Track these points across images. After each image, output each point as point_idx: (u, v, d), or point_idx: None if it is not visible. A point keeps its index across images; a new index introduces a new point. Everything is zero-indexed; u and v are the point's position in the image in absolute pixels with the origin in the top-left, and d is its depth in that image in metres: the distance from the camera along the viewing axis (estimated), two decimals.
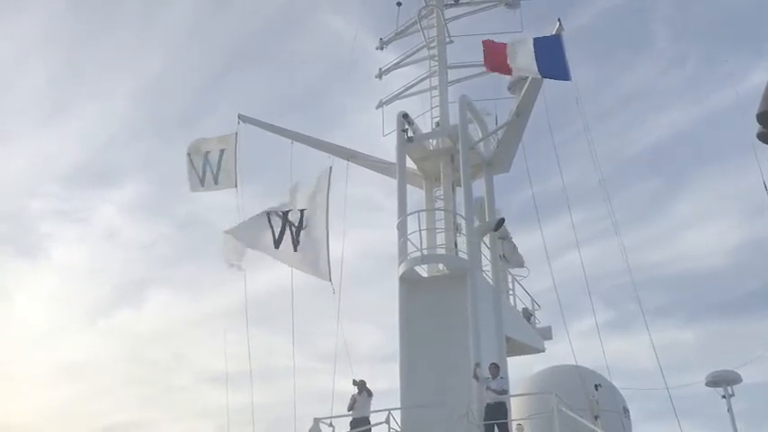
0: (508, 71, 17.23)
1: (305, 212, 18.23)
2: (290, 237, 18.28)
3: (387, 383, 17.42)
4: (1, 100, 51.29)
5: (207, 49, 53.22)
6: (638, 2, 48.18)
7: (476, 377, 15.10)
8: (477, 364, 15.27)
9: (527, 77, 17.71)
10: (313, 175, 18.64)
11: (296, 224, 18.27)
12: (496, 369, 15.06)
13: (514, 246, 20.50)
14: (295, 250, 18.10)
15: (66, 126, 52.44)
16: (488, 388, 14.69)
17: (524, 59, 16.47)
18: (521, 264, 20.67)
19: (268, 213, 18.70)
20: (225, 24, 53.36)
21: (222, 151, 19.86)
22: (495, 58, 16.93)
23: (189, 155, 20.14)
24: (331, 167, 18.45)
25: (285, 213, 18.50)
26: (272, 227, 18.55)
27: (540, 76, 16.73)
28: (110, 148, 53.05)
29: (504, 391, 15.00)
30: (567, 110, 18.44)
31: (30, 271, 53.39)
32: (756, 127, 7.09)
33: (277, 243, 18.39)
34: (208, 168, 19.92)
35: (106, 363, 47.97)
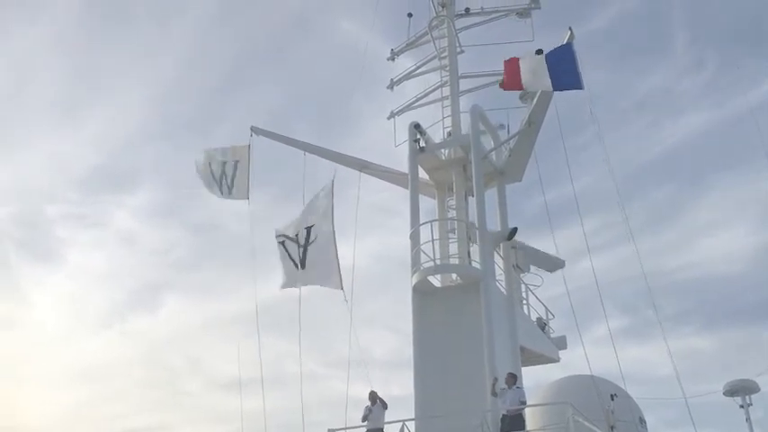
0: (520, 87, 17.26)
1: (312, 228, 18.52)
2: (297, 257, 18.63)
3: (401, 390, 17.40)
4: (16, 105, 51.82)
5: (220, 54, 53.56)
6: (655, 5, 47.81)
7: (494, 394, 15.00)
8: (496, 379, 15.20)
9: None
10: (319, 189, 18.95)
11: (302, 242, 18.57)
12: (513, 378, 14.99)
13: (536, 252, 20.17)
14: (303, 267, 18.44)
15: (81, 131, 52.83)
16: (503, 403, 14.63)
17: (537, 75, 16.43)
18: (561, 266, 20.27)
19: (282, 243, 19.07)
20: (238, 29, 53.65)
21: (236, 162, 20.26)
22: (510, 75, 16.93)
23: (209, 163, 20.73)
24: (333, 181, 18.76)
25: (296, 236, 18.88)
26: (289, 254, 18.90)
27: (552, 90, 16.71)
28: (124, 153, 53.40)
29: (523, 403, 14.88)
30: (582, 115, 18.35)
31: (46, 275, 53.94)
32: None
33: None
34: (223, 179, 20.33)
35: (121, 367, 47.99)
